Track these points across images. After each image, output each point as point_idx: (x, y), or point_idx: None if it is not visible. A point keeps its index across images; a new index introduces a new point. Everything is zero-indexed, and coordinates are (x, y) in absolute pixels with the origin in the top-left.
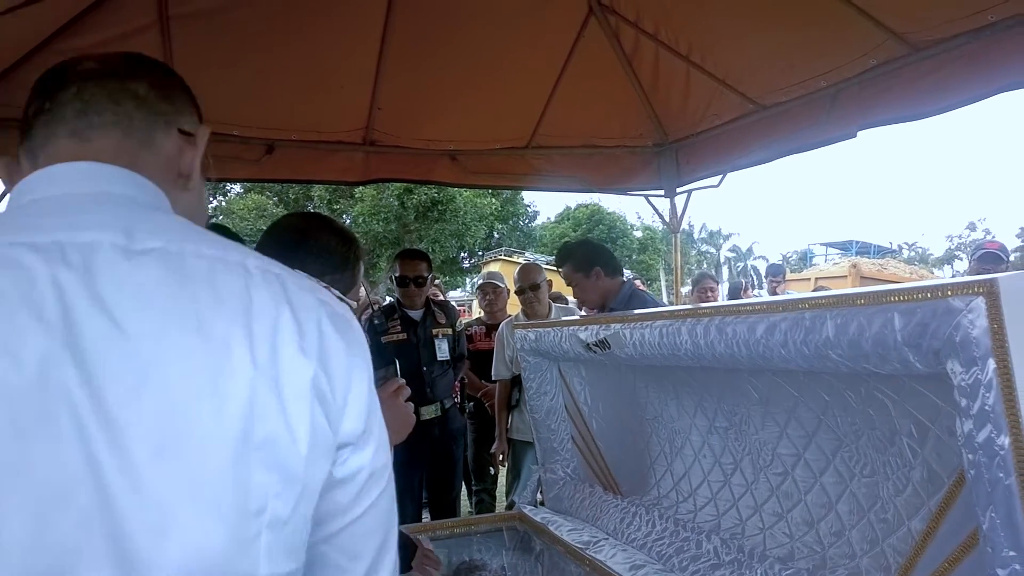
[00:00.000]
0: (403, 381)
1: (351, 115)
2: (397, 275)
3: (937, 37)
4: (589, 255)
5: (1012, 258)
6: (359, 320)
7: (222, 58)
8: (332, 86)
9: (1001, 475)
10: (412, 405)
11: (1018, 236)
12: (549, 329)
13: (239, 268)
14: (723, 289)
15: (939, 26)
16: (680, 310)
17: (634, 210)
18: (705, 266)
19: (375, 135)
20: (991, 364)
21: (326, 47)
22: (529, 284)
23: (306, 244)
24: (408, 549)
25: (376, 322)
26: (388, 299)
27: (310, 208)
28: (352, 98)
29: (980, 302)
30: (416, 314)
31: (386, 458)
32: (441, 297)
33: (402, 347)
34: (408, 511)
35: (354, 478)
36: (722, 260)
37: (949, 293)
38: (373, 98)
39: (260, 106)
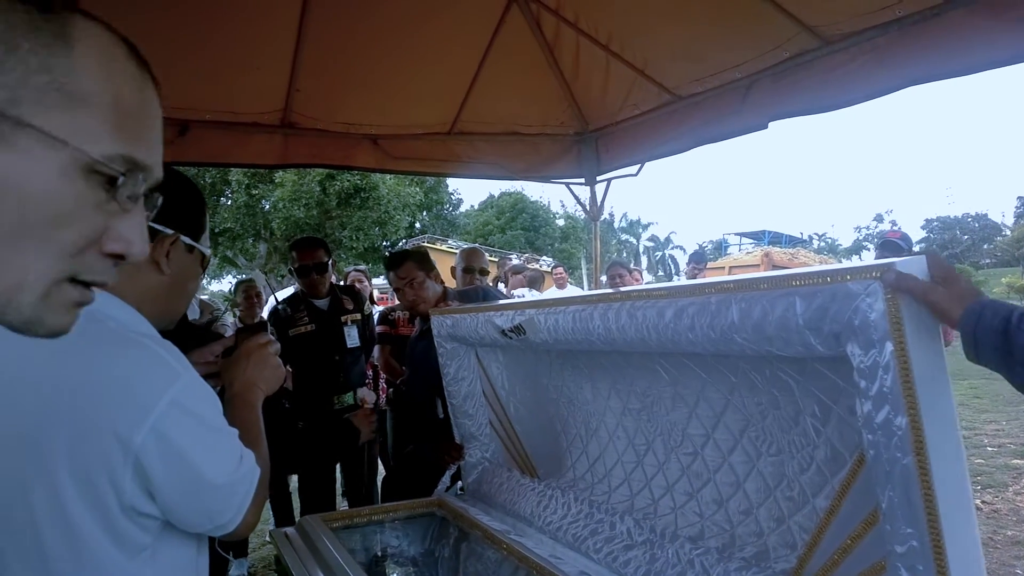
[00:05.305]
0: (272, 337)
1: (268, 96)
2: (296, 266)
3: (847, 31)
4: (426, 258)
5: (916, 248)
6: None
7: (134, 34)
8: (249, 66)
9: (899, 455)
10: (281, 361)
11: (923, 227)
12: (466, 315)
13: None
14: (645, 278)
15: (849, 20)
16: (592, 295)
17: (557, 199)
18: (625, 255)
19: (294, 117)
20: (889, 347)
21: (243, 26)
22: (479, 268)
23: None
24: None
25: (283, 315)
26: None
27: (228, 193)
28: (270, 79)
29: (877, 286)
30: (322, 303)
31: None
32: (367, 284)
33: (311, 338)
34: (324, 500)
35: None
36: (641, 249)
37: (848, 278)
38: (291, 79)
39: (174, 85)
